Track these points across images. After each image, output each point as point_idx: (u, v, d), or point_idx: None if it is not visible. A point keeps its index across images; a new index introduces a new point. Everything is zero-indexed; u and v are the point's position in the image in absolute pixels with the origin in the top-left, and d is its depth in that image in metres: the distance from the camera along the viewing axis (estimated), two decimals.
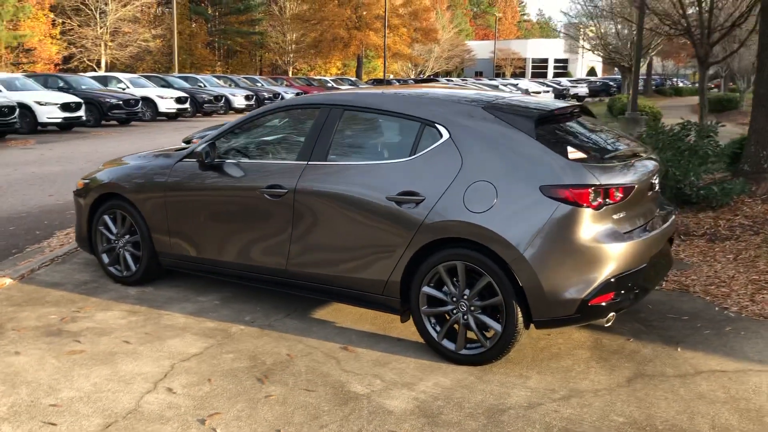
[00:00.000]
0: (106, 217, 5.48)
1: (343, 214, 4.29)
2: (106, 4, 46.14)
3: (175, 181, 5.04)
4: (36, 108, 19.21)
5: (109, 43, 46.62)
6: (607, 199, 3.78)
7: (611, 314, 3.85)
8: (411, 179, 4.10)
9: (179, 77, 29.80)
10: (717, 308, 5.04)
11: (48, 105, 19.41)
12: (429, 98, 4.41)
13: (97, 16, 46.33)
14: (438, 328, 4.10)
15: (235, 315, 4.84)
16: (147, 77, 27.86)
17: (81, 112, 20.28)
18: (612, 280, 3.77)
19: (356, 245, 4.27)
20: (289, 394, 3.68)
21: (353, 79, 48.22)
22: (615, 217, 3.85)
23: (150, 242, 5.24)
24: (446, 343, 4.07)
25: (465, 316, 3.99)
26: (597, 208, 3.75)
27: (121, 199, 5.36)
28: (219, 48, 62.84)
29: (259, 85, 34.50)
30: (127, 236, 5.40)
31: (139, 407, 3.52)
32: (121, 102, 22.26)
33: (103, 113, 21.92)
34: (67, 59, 47.58)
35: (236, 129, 4.96)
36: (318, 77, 45.87)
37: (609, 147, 4.26)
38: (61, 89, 21.88)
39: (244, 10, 59.07)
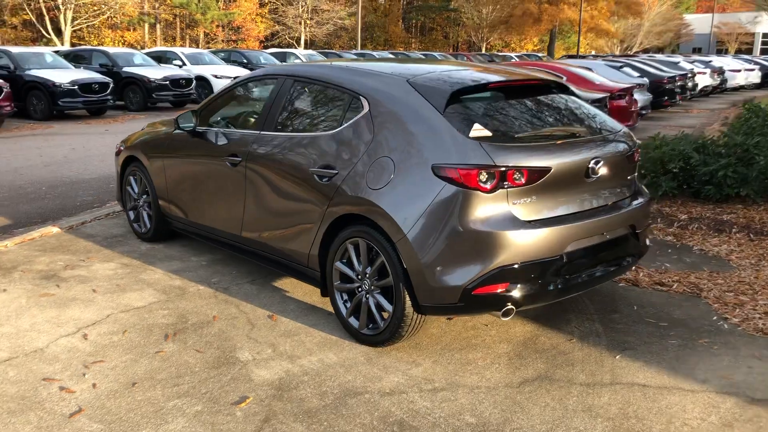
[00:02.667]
0: (131, 178, 5.98)
1: (279, 184, 4.34)
2: None
3: (171, 147, 5.37)
4: (212, 80, 21.02)
5: (308, 21, 49.29)
6: (504, 182, 3.45)
7: (508, 307, 3.53)
8: (331, 152, 4.03)
9: (356, 53, 30.81)
10: (716, 317, 4.39)
11: (223, 78, 21.11)
12: (362, 70, 4.26)
13: None
14: (348, 305, 4.02)
15: (208, 276, 5.09)
16: (324, 53, 29.16)
17: None
18: (502, 269, 3.45)
19: (288, 216, 4.30)
20: (179, 352, 3.84)
21: (540, 55, 46.72)
22: (516, 202, 3.50)
23: (157, 203, 5.65)
24: (353, 320, 3.99)
25: (367, 295, 3.88)
26: (490, 191, 3.44)
27: (139, 162, 5.82)
28: (414, 25, 63.91)
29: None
30: (144, 196, 5.86)
31: (47, 348, 3.88)
32: None
33: None
34: (270, 37, 51.11)
35: (218, 98, 5.16)
36: (503, 53, 45.01)
37: (538, 126, 3.85)
38: (241, 64, 23.68)
39: None
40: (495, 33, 58.38)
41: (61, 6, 36.10)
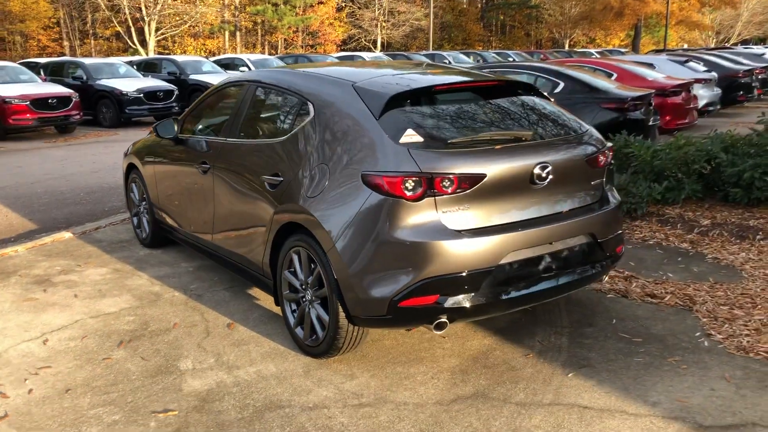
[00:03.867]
0: (132, 185, 6.12)
1: (238, 191, 4.31)
2: None
3: (159, 154, 5.45)
4: None
5: (384, 24, 49.53)
6: (432, 190, 3.28)
7: (441, 320, 3.35)
8: (280, 159, 3.97)
9: (425, 54, 30.64)
10: (699, 333, 4.05)
11: None
12: (314, 75, 4.17)
13: None
14: (296, 315, 3.94)
15: (188, 282, 5.13)
16: (391, 55, 29.15)
17: None
18: (430, 281, 3.28)
19: (245, 223, 4.27)
20: (124, 360, 3.87)
21: (624, 50, 45.12)
22: (447, 210, 3.32)
23: (152, 209, 5.75)
24: (299, 331, 3.91)
25: (309, 306, 3.79)
26: (416, 199, 3.28)
27: (136, 169, 5.94)
28: (493, 23, 63.09)
29: (491, 59, 33.55)
30: (143, 203, 5.98)
31: (5, 352, 4.00)
32: None
33: None
34: (346, 40, 51.67)
35: (198, 105, 5.19)
36: (582, 50, 43.73)
37: (479, 131, 3.62)
38: None
39: None
40: (578, 29, 56.80)
41: (145, 17, 37.74)
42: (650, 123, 9.59)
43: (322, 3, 50.53)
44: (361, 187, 3.37)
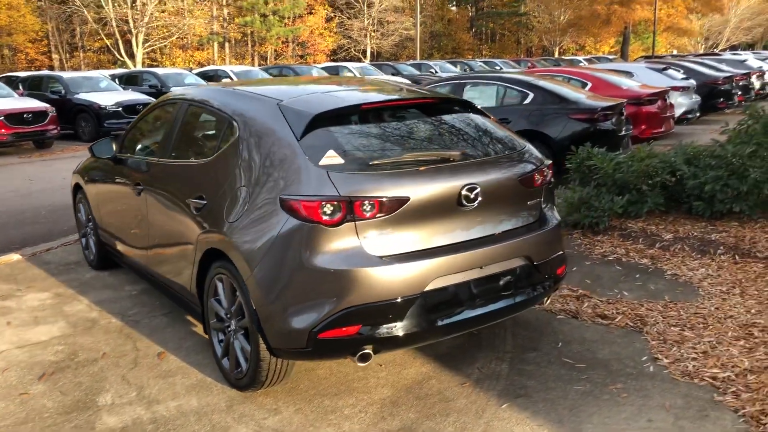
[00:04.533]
0: (80, 205, 5.95)
1: (169, 214, 4.15)
2: None
3: (102, 174, 5.29)
4: None
5: (373, 34, 49.48)
6: (351, 215, 3.12)
7: (364, 352, 3.19)
8: (205, 181, 3.81)
9: (411, 64, 30.58)
10: (646, 357, 3.89)
11: None
12: (242, 93, 4.01)
13: (365, 8, 49.36)
14: (222, 345, 3.77)
15: (129, 307, 4.95)
16: (378, 66, 29.06)
17: None
18: (350, 311, 3.11)
19: (174, 248, 4.11)
20: (42, 395, 3.69)
21: (612, 57, 45.15)
22: (368, 235, 3.16)
23: (96, 230, 5.58)
24: (225, 362, 3.74)
25: (234, 336, 3.62)
26: (335, 224, 3.12)
27: (82, 188, 5.77)
28: (483, 32, 63.16)
29: (477, 68, 33.40)
30: (90, 223, 5.80)
31: None
32: None
33: None
34: (336, 50, 51.60)
35: (137, 124, 5.03)
36: (570, 57, 43.74)
37: (404, 151, 3.46)
38: None
39: None
40: (567, 36, 56.85)
41: (133, 30, 37.59)
42: (622, 133, 9.46)
43: (311, 14, 50.49)
44: (278, 212, 3.21)
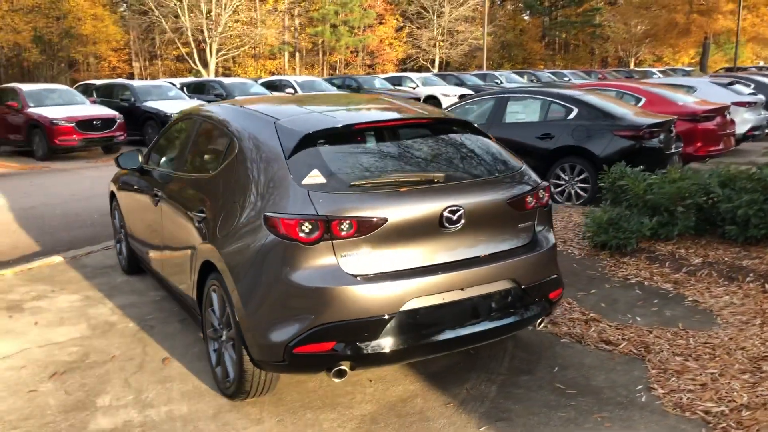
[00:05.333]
0: (115, 211, 6.23)
1: (176, 225, 4.32)
2: (442, 6, 48.94)
3: (130, 183, 5.54)
4: None
5: (441, 43, 49.53)
6: (329, 233, 3.19)
7: (340, 368, 3.25)
8: (206, 195, 3.96)
9: (476, 74, 30.47)
10: (641, 386, 3.80)
11: None
12: (246, 111, 4.14)
13: (435, 18, 49.49)
14: (216, 354, 3.90)
15: (148, 312, 5.16)
16: (441, 76, 29.09)
17: None
18: (326, 327, 3.18)
19: (180, 258, 4.27)
20: (48, 393, 3.90)
21: (689, 69, 43.70)
22: (346, 254, 3.22)
23: (126, 236, 5.84)
24: (218, 370, 3.86)
25: (224, 346, 3.74)
26: (312, 242, 3.19)
27: (115, 197, 6.05)
28: (556, 42, 62.25)
29: (545, 78, 32.68)
30: (122, 230, 6.07)
31: None
32: None
33: None
34: (405, 60, 51.90)
35: (161, 137, 5.25)
36: (643, 69, 42.57)
37: (388, 171, 3.49)
38: (352, 89, 24.23)
39: (579, 1, 56.99)
40: (643, 47, 55.39)
41: (207, 39, 38.89)
42: (671, 151, 9.20)
43: (382, 23, 51.01)
44: (262, 229, 3.31)
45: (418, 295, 3.28)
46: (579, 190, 8.91)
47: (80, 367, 4.23)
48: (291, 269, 3.21)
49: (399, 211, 3.28)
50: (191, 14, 38.24)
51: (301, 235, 3.18)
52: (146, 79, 41.59)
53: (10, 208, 9.87)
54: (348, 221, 3.19)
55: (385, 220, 3.24)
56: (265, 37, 43.42)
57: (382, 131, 3.77)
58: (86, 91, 21.07)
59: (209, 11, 38.49)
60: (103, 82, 21.73)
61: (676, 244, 6.19)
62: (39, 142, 15.69)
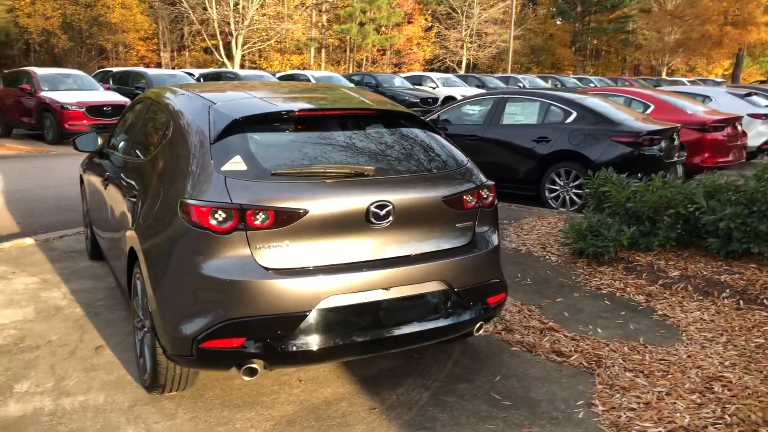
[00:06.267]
0: (82, 194, 6.14)
1: (116, 210, 4.21)
2: (471, 8, 48.60)
3: (90, 167, 5.44)
4: None
5: (469, 45, 49.19)
6: (243, 224, 3.04)
7: (250, 366, 3.09)
8: (140, 179, 3.83)
9: (499, 77, 30.14)
10: (583, 402, 3.60)
11: None
12: (188, 95, 3.98)
13: (464, 19, 49.15)
14: (140, 345, 3.77)
15: (100, 298, 5.06)
16: (463, 77, 28.81)
17: None
18: (234, 323, 3.03)
19: (117, 244, 4.15)
20: None
21: (719, 81, 42.85)
22: (261, 246, 3.06)
23: (90, 222, 5.74)
24: (141, 361, 3.73)
25: (145, 336, 3.60)
26: (225, 232, 3.04)
27: (82, 180, 5.96)
28: (586, 48, 61.51)
29: (570, 84, 32.22)
30: (87, 215, 5.97)
31: None
32: (418, 100, 23.47)
33: None
34: (431, 60, 51.63)
35: (119, 120, 5.14)
36: (673, 78, 41.83)
37: (316, 162, 3.32)
38: (369, 86, 24.08)
39: (612, 7, 56.24)
40: (676, 56, 54.42)
41: (233, 32, 39.01)
42: (672, 159, 8.91)
43: (410, 23, 50.80)
44: (176, 216, 3.17)
45: (337, 293, 3.12)
46: (574, 196, 8.66)
47: (11, 351, 4.12)
48: (202, 259, 3.05)
49: (321, 204, 3.12)
50: (218, 6, 38.37)
51: (214, 223, 3.03)
52: (174, 69, 41.87)
53: (3, 190, 9.87)
54: (264, 212, 3.03)
55: (306, 212, 3.08)
56: (292, 31, 43.45)
57: (319, 120, 3.59)
58: (105, 77, 21.23)
59: (236, 4, 38.61)
60: (120, 70, 21.86)
61: (657, 255, 5.93)
62: (49, 125, 15.77)
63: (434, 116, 10.07)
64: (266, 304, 3.03)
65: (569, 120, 8.86)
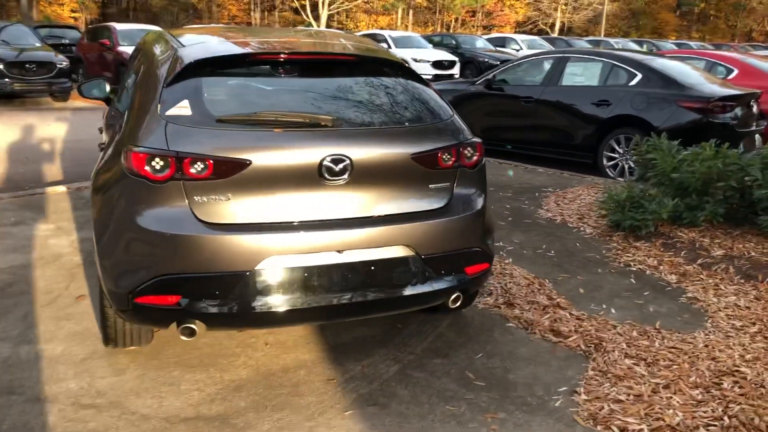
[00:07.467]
0: None
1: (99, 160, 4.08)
2: None
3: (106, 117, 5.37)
4: (411, 63, 21.04)
5: (564, 7, 47.21)
6: (181, 173, 2.81)
7: (188, 326, 2.89)
8: (110, 126, 3.69)
9: (588, 40, 28.72)
10: (566, 388, 3.22)
11: (422, 62, 21.03)
12: (169, 38, 3.72)
13: None
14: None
15: None
16: (550, 40, 27.64)
17: (454, 70, 21.41)
18: (167, 279, 2.83)
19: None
20: None
21: None
22: (200, 199, 2.83)
23: None
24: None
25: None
26: (161, 181, 2.82)
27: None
28: (691, 12, 57.87)
29: (667, 48, 30.13)
30: None
31: None
32: (498, 62, 22.69)
33: (480, 72, 22.70)
34: (523, 22, 49.92)
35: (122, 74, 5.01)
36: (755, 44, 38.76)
37: (271, 110, 3.03)
38: (449, 47, 23.45)
39: None
40: None
41: None
42: (747, 129, 8.08)
43: None
44: (119, 162, 2.98)
45: (281, 253, 2.85)
46: (633, 165, 8.01)
47: None
48: (137, 210, 2.85)
49: (267, 155, 2.85)
50: None
51: (149, 171, 2.81)
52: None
53: (63, 139, 10.13)
54: (203, 161, 2.79)
55: (249, 163, 2.82)
56: None
57: (287, 65, 3.27)
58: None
59: None
60: (192, 27, 22.08)
61: (702, 232, 5.34)
62: None
63: (490, 76, 9.55)
64: (203, 262, 2.81)
65: (633, 82, 8.17)
